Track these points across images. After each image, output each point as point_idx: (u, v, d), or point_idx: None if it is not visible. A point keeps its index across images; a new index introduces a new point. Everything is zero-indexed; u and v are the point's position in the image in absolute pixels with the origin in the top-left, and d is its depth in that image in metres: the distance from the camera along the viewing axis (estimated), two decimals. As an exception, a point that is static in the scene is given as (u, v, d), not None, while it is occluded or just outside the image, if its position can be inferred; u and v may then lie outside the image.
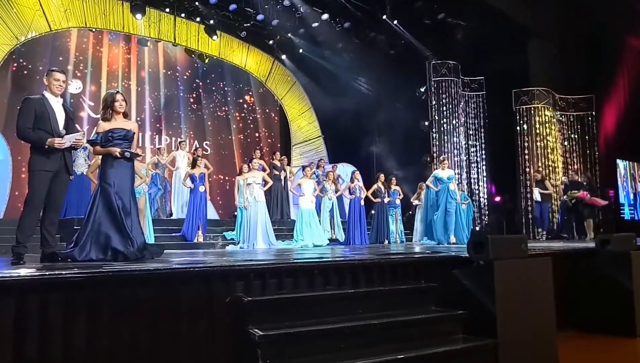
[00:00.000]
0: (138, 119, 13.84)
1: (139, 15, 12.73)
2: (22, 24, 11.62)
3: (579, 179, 11.95)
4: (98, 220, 4.45)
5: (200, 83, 15.49)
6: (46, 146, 4.27)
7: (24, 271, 3.04)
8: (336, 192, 11.20)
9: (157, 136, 14.27)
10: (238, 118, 16.07)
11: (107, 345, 2.86)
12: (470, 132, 14.23)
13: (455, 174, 13.50)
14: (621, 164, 14.00)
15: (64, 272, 2.90)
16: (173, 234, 9.48)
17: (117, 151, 4.61)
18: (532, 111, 13.70)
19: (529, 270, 4.05)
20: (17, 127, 4.32)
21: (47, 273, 2.92)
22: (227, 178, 15.06)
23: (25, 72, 12.08)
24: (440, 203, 9.60)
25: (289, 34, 15.15)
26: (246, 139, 16.06)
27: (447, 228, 9.45)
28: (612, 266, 5.15)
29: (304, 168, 11.10)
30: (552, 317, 4.07)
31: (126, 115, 4.90)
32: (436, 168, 10.46)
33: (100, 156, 4.82)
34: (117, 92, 4.92)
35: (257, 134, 16.35)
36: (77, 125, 11.86)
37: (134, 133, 4.82)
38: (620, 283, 5.03)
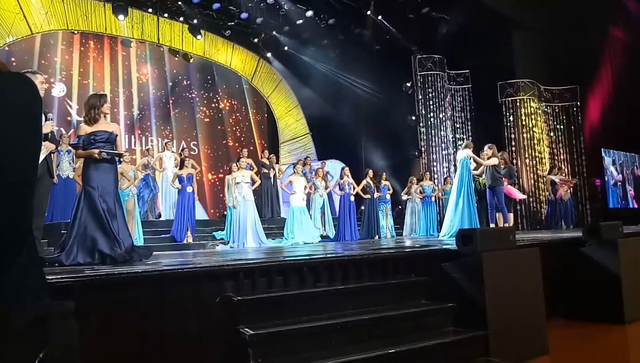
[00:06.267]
0: (128, 122, 13.77)
1: (121, 17, 12.62)
2: (2, 27, 11.47)
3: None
4: (83, 224, 4.40)
5: (187, 82, 15.44)
6: None
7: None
8: (326, 189, 11.19)
9: (144, 138, 14.19)
10: (225, 117, 16.03)
11: (96, 349, 2.83)
12: (457, 125, 14.28)
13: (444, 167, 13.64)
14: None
15: (50, 277, 2.86)
16: (162, 235, 9.43)
17: (95, 152, 4.57)
18: (518, 103, 13.77)
19: (517, 260, 4.08)
20: None
21: (33, 278, 2.88)
22: (219, 178, 15.04)
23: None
24: (472, 189, 8.28)
25: (274, 32, 15.11)
26: (234, 138, 16.02)
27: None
28: (600, 254, 5.21)
29: (294, 165, 11.06)
30: (542, 306, 4.11)
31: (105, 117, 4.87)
32: (462, 149, 8.83)
33: (83, 159, 4.77)
34: (105, 94, 4.90)
35: (244, 133, 16.31)
36: (61, 128, 11.81)
37: (117, 135, 4.78)
38: (609, 270, 5.09)
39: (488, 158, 8.56)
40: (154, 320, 3.05)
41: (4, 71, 1.02)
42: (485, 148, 8.69)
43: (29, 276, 1.03)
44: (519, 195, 10.58)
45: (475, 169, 8.71)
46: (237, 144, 15.71)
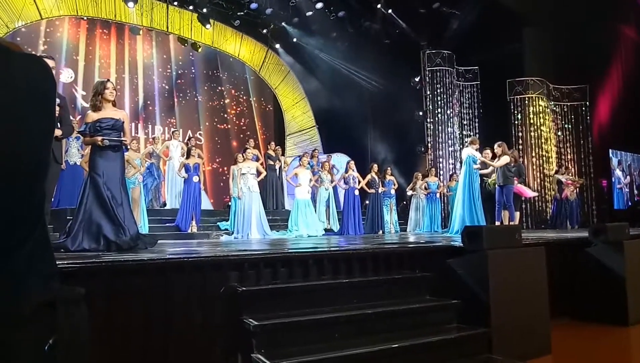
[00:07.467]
0: (133, 110, 13.76)
1: (131, 4, 12.58)
2: (12, 12, 11.47)
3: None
4: (89, 210, 4.42)
5: (194, 72, 15.41)
6: None
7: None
8: (332, 182, 11.18)
9: (151, 126, 14.20)
10: (231, 107, 16.01)
11: (100, 336, 2.84)
12: (465, 122, 14.23)
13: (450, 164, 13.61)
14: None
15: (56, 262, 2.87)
16: (167, 224, 9.45)
17: (98, 139, 4.58)
18: (526, 101, 13.71)
19: (522, 259, 4.06)
20: None
21: (39, 263, 2.88)
22: (222, 168, 15.03)
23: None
24: (477, 186, 8.30)
25: (283, 23, 15.05)
26: (240, 128, 16.00)
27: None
28: (605, 255, 5.18)
29: (300, 157, 11.05)
30: (546, 306, 4.09)
31: (114, 104, 4.86)
32: (467, 146, 8.77)
33: (90, 146, 4.79)
34: (108, 80, 4.89)
35: (251, 124, 16.29)
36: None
37: (123, 122, 4.78)
38: (614, 272, 5.06)
39: (499, 156, 8.49)
40: (158, 308, 3.06)
41: (18, 52, 1.00)
42: (495, 146, 8.61)
43: (39, 259, 1.02)
44: (530, 193, 10.48)
45: (484, 168, 8.66)
46: (240, 135, 15.69)
